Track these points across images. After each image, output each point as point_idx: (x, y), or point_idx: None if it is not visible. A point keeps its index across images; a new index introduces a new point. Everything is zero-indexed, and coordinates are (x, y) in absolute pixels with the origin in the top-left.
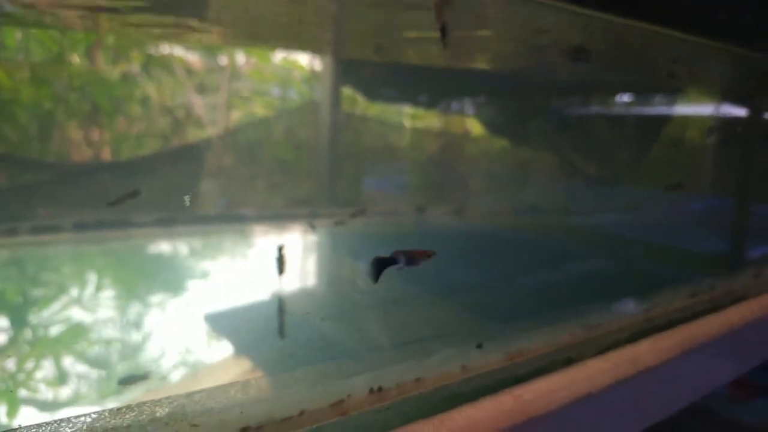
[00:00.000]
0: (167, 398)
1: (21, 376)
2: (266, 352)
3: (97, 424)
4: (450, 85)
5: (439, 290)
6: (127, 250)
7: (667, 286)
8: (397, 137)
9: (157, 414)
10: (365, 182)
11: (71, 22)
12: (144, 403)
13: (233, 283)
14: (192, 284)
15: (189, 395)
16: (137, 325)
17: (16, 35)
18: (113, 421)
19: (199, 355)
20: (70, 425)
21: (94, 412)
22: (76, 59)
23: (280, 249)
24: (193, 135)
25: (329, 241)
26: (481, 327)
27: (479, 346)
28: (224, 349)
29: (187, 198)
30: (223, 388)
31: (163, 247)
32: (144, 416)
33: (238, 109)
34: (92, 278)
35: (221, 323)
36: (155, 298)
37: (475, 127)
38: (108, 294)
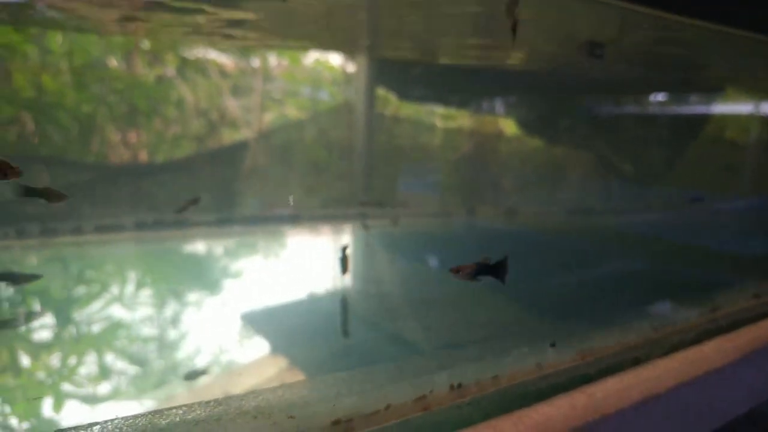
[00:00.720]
0: (252, 392)
1: (96, 371)
2: (330, 351)
3: (189, 417)
4: (483, 84)
5: (499, 290)
6: (171, 251)
7: (724, 287)
8: (430, 138)
9: (244, 407)
10: (398, 183)
11: (109, 27)
12: (230, 397)
13: (288, 283)
14: (248, 284)
15: (273, 390)
16: (209, 321)
17: (58, 40)
18: (203, 413)
19: (261, 352)
20: (164, 417)
21: (185, 405)
22: (114, 63)
23: (344, 249)
24: (228, 137)
25: (378, 241)
26: (549, 326)
27: (553, 345)
28: (288, 346)
29: (291, 198)
30: (312, 382)
31: (211, 247)
32: (232, 409)
33: (270, 111)
34: (160, 277)
35: (283, 321)
36: (217, 297)
37: (508, 126)
38: (175, 292)
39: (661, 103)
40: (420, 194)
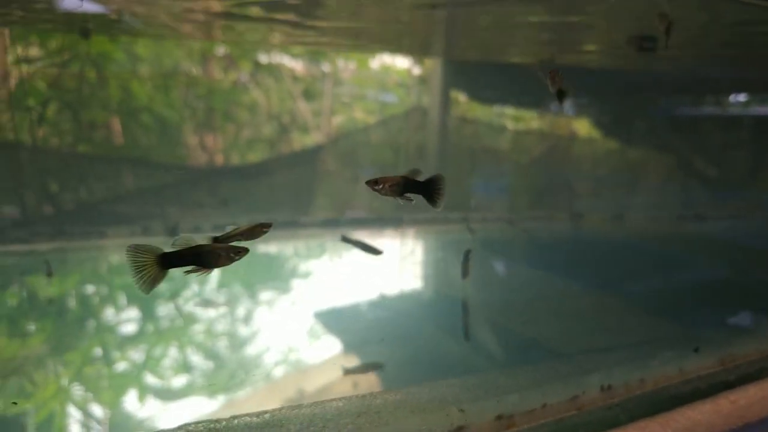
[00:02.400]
0: (423, 385)
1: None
2: (459, 352)
3: (348, 408)
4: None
5: (610, 293)
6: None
7: None
8: (500, 140)
9: (416, 399)
10: (471, 186)
11: (189, 33)
12: (387, 391)
13: (397, 285)
14: (356, 286)
15: (448, 383)
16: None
17: (144, 47)
18: (361, 405)
19: (395, 352)
20: (324, 408)
21: (343, 398)
22: (192, 69)
23: (467, 254)
24: (298, 140)
25: (474, 245)
26: (682, 333)
27: (696, 350)
28: (410, 347)
29: (402, 201)
30: (477, 377)
31: (291, 248)
32: (389, 402)
33: (340, 114)
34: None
35: (408, 323)
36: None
37: (581, 128)
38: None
39: (744, 104)
40: (491, 198)
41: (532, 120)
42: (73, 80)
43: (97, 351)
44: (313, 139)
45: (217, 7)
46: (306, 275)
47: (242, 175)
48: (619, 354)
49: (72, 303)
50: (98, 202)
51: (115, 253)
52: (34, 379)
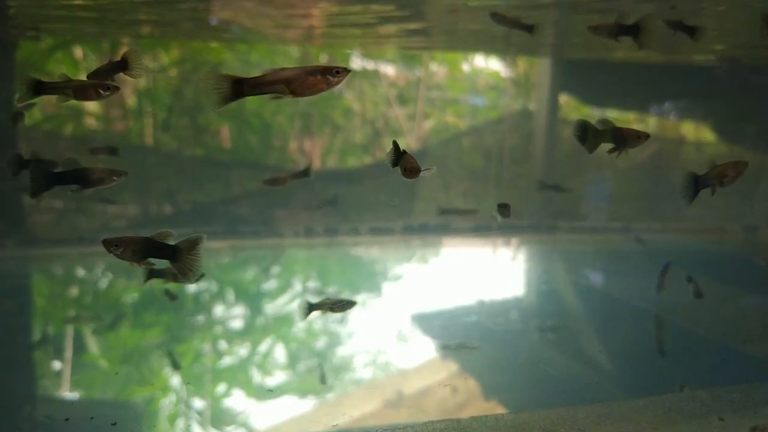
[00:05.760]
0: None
1: None
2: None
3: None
4: (668, 84)
5: None
6: (349, 256)
7: None
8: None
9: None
10: (581, 193)
11: (288, 37)
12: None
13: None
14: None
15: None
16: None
17: (254, 53)
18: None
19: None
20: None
21: (568, 407)
22: None
23: (667, 266)
24: (390, 145)
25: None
26: None
27: None
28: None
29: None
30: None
31: (392, 252)
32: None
33: (431, 118)
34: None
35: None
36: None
37: (689, 131)
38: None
39: None
40: (598, 206)
41: (635, 122)
42: (191, 88)
43: (207, 344)
44: (405, 143)
45: (320, 15)
46: (403, 279)
47: (345, 179)
48: None
49: (188, 298)
50: (212, 203)
51: (225, 255)
52: (152, 368)
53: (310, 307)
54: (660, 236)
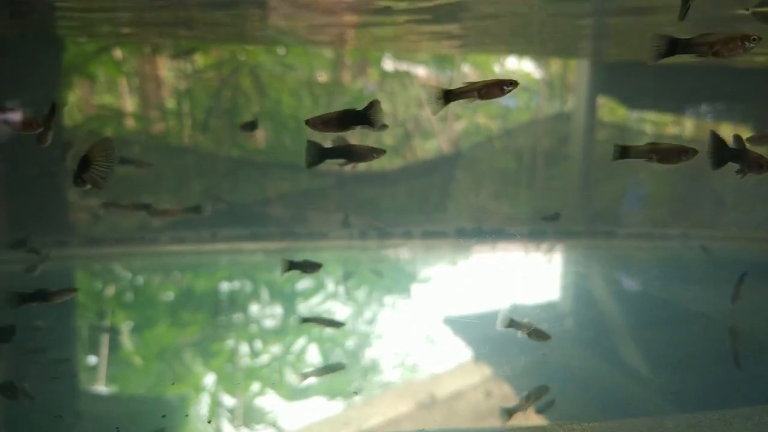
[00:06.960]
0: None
1: None
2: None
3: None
4: (706, 86)
5: None
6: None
7: None
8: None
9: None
10: (619, 197)
11: (324, 40)
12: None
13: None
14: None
15: None
16: None
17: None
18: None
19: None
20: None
21: (654, 417)
22: (323, 77)
23: (742, 276)
24: (419, 146)
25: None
26: None
27: None
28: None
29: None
30: None
31: (425, 255)
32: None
33: (463, 119)
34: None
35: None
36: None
37: (728, 134)
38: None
39: None
40: (637, 210)
41: (670, 124)
42: (230, 90)
43: (243, 343)
44: (436, 144)
45: (354, 17)
46: (435, 281)
47: (380, 182)
48: None
49: (222, 297)
50: (249, 203)
51: (256, 254)
52: (188, 365)
53: (290, 265)
54: (716, 244)
